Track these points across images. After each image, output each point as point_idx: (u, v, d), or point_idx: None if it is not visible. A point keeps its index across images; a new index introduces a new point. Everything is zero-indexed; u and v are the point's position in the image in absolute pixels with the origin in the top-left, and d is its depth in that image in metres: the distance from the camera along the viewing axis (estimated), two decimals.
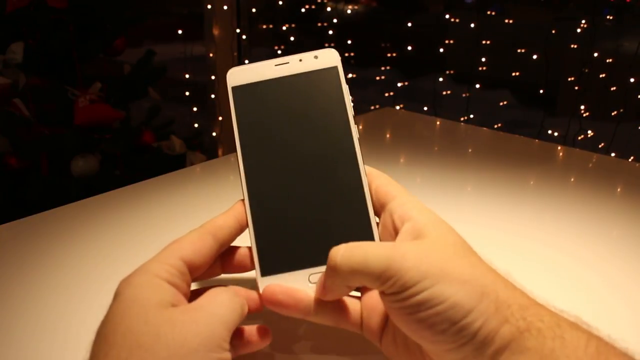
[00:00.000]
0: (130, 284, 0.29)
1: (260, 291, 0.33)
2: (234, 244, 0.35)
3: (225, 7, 2.17)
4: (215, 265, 0.35)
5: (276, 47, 2.42)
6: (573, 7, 2.36)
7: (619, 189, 0.67)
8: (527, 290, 0.29)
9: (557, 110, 2.33)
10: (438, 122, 0.97)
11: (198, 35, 2.24)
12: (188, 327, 0.27)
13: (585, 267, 0.48)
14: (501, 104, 2.37)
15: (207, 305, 0.29)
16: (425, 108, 2.28)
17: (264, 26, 2.45)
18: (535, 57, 2.06)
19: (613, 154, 1.85)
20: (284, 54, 0.36)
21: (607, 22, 2.04)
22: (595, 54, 1.98)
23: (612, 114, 2.03)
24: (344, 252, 0.29)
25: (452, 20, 2.28)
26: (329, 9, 2.45)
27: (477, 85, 2.23)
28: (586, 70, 2.02)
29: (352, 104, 0.35)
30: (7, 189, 1.44)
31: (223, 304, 0.29)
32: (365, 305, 0.34)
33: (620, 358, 0.25)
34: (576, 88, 2.05)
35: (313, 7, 2.43)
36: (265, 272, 0.33)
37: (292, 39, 2.37)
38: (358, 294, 0.35)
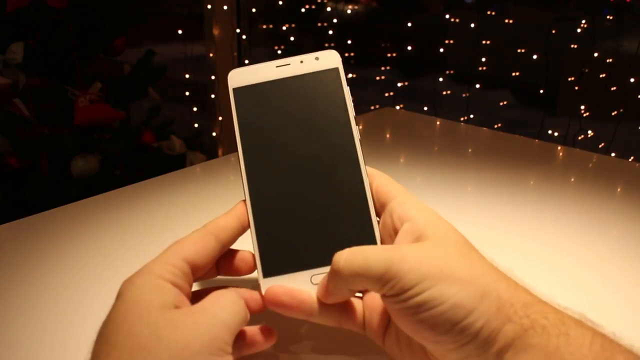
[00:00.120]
0: (132, 285, 0.29)
1: (263, 292, 0.33)
2: (234, 246, 0.35)
3: (225, 7, 2.17)
4: (211, 268, 0.35)
5: (276, 47, 2.42)
6: (573, 7, 2.36)
7: (619, 189, 0.67)
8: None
9: (557, 110, 2.33)
10: (438, 122, 0.97)
11: (198, 35, 2.24)
12: (190, 329, 0.27)
13: (585, 267, 0.48)
14: (501, 104, 2.37)
15: (210, 308, 0.29)
16: (425, 108, 2.28)
17: (264, 26, 2.45)
18: (535, 57, 2.06)
19: (613, 154, 1.85)
20: (284, 54, 0.36)
21: (607, 22, 2.04)
22: (595, 54, 1.98)
23: (612, 114, 2.03)
24: (347, 256, 0.29)
25: (452, 20, 2.28)
26: (329, 9, 2.45)
27: (477, 85, 2.23)
28: (586, 70, 2.02)
29: (353, 105, 0.36)
30: (7, 189, 1.44)
31: (226, 307, 0.29)
32: (367, 305, 0.34)
33: (625, 355, 0.25)
34: (576, 88, 2.05)
35: (313, 7, 2.43)
36: (267, 274, 0.33)
37: (292, 39, 2.37)
38: (360, 294, 0.35)
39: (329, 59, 0.36)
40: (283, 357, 0.36)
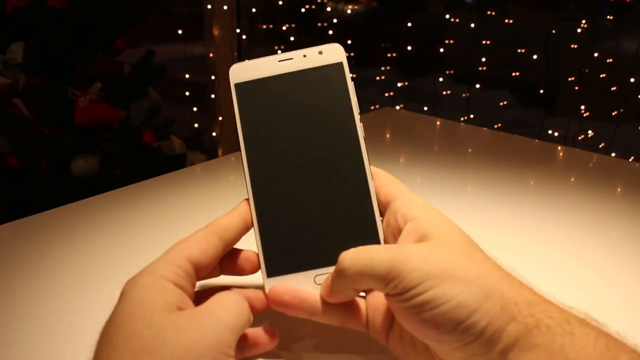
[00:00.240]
0: (136, 285, 0.29)
1: (267, 292, 0.33)
2: (237, 245, 0.35)
3: (225, 7, 2.17)
4: (214, 267, 0.35)
5: (276, 47, 2.42)
6: (573, 7, 2.36)
7: (619, 189, 0.67)
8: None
9: (557, 110, 2.33)
10: (438, 122, 0.97)
11: (198, 35, 2.24)
12: (193, 332, 0.26)
13: (586, 267, 0.48)
14: (501, 104, 2.37)
15: (214, 310, 0.28)
16: (425, 108, 2.28)
17: (264, 26, 2.45)
18: (535, 57, 2.06)
19: (613, 154, 1.84)
20: (285, 52, 0.36)
21: (607, 22, 2.04)
22: (595, 54, 1.98)
23: (612, 114, 2.03)
24: (352, 256, 0.30)
25: (452, 20, 2.28)
26: (329, 9, 2.45)
27: (477, 85, 2.23)
28: (586, 70, 2.02)
29: (357, 101, 0.35)
30: (7, 189, 1.44)
31: (230, 309, 0.29)
32: (370, 305, 0.34)
33: (629, 354, 0.25)
34: (576, 88, 2.05)
35: (313, 7, 2.43)
36: (271, 274, 0.33)
37: (292, 39, 2.37)
38: (363, 293, 0.35)
39: (333, 53, 0.35)
40: (287, 356, 0.35)
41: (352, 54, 2.39)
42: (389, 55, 2.42)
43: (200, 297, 0.31)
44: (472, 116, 2.23)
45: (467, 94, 2.24)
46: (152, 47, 1.68)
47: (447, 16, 2.28)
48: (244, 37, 2.25)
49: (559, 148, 0.85)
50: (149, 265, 0.30)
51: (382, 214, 0.34)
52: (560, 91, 2.37)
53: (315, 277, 0.33)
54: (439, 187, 0.66)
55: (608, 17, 2.04)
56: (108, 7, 1.53)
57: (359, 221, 0.34)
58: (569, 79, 2.11)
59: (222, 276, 0.36)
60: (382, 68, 2.41)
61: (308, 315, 0.32)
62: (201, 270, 0.31)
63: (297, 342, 0.36)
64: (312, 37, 2.47)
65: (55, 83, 1.49)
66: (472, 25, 2.17)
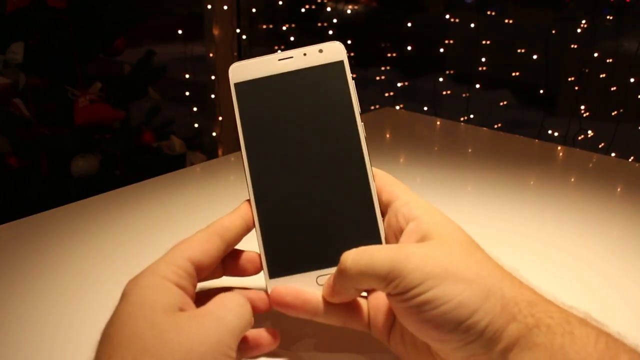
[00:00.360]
0: (137, 285, 0.29)
1: (269, 293, 0.33)
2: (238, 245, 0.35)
3: (225, 7, 2.17)
4: (216, 268, 0.35)
5: (276, 47, 2.42)
6: (573, 7, 2.36)
7: (619, 189, 0.67)
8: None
9: (557, 110, 2.33)
10: (438, 122, 0.97)
11: (198, 35, 2.24)
12: (195, 333, 0.26)
13: (586, 266, 0.48)
14: (501, 104, 2.37)
15: (216, 311, 0.28)
16: (425, 108, 2.28)
17: (264, 26, 2.45)
18: (535, 57, 2.06)
19: (613, 154, 1.84)
20: (285, 51, 0.36)
21: (607, 22, 2.04)
22: (595, 54, 1.98)
23: (612, 114, 2.03)
24: (354, 256, 0.30)
25: (452, 20, 2.28)
26: (329, 9, 2.45)
27: (477, 85, 2.23)
28: (586, 70, 2.02)
29: (358, 100, 0.35)
30: (7, 189, 1.44)
31: (232, 310, 0.29)
32: (372, 305, 0.34)
33: (629, 354, 0.25)
34: (576, 88, 2.05)
35: (313, 7, 2.43)
36: (273, 275, 0.33)
37: (292, 39, 2.37)
38: (365, 294, 0.35)
39: (333, 52, 0.35)
40: (288, 355, 0.35)
41: (352, 54, 2.38)
42: (389, 55, 2.42)
43: (203, 298, 0.31)
44: (472, 116, 2.23)
45: (467, 94, 2.24)
46: (152, 47, 1.68)
47: (447, 16, 2.28)
48: (244, 37, 2.25)
49: (559, 148, 0.85)
50: (151, 266, 0.30)
51: (383, 215, 0.34)
52: (560, 91, 2.37)
53: (317, 277, 0.33)
54: (439, 187, 0.66)
55: (608, 17, 2.04)
56: (108, 7, 1.53)
57: (361, 222, 0.34)
58: (569, 79, 2.11)
59: (224, 277, 0.36)
60: (382, 68, 2.41)
61: (310, 315, 0.32)
62: (202, 271, 0.31)
63: (298, 342, 0.36)
64: (312, 37, 2.47)
65: (55, 83, 1.49)
66: (472, 25, 2.17)
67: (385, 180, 0.35)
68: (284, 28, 2.38)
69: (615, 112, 2.03)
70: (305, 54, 0.35)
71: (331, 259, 0.32)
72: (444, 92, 2.32)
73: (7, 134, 1.44)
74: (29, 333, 0.38)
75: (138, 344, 0.26)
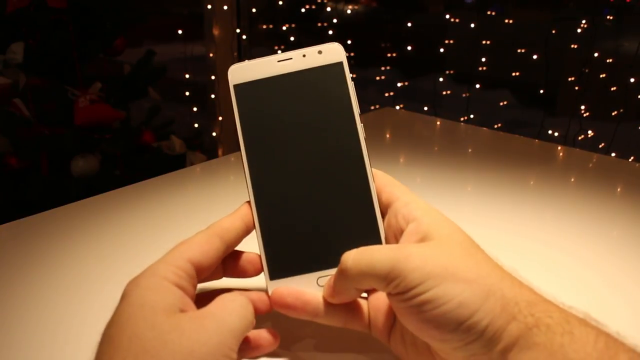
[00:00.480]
0: (138, 286, 0.29)
1: (270, 294, 0.33)
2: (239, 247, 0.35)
3: (225, 7, 2.17)
4: (217, 269, 0.35)
5: (276, 47, 2.42)
6: (573, 7, 2.36)
7: (619, 189, 0.67)
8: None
9: (557, 110, 2.33)
10: (438, 122, 0.97)
11: (198, 35, 2.24)
12: (196, 334, 0.26)
13: (586, 266, 0.48)
14: (501, 104, 2.37)
15: (218, 313, 0.28)
16: (426, 108, 2.28)
17: (264, 26, 2.45)
18: (535, 57, 2.06)
19: (613, 154, 1.84)
20: (285, 52, 0.36)
21: (607, 22, 2.04)
22: (595, 54, 1.98)
23: (612, 114, 2.03)
24: (355, 256, 0.30)
25: (452, 20, 2.28)
26: (329, 9, 2.45)
27: (477, 85, 2.23)
28: (586, 70, 2.02)
29: (357, 102, 0.35)
30: (7, 189, 1.44)
31: (234, 312, 0.29)
32: (372, 306, 0.34)
33: (628, 354, 0.25)
34: (576, 88, 2.05)
35: (313, 7, 2.43)
36: (273, 276, 0.33)
37: (292, 39, 2.37)
38: (365, 294, 0.35)
39: (332, 53, 0.35)
40: (288, 355, 0.35)
41: (352, 54, 2.39)
42: (389, 55, 2.42)
43: (204, 299, 0.31)
44: (472, 116, 2.23)
45: (467, 94, 2.24)
46: (152, 47, 1.67)
47: (447, 16, 2.28)
48: (244, 37, 2.25)
49: (559, 148, 0.85)
50: (150, 267, 0.30)
51: (382, 215, 0.34)
52: (560, 91, 2.37)
53: (317, 279, 0.33)
54: (439, 187, 0.66)
55: (608, 17, 2.04)
56: (108, 7, 1.53)
57: (361, 222, 0.34)
58: (569, 79, 2.11)
59: (224, 278, 0.36)
60: (382, 68, 2.41)
61: (311, 316, 0.33)
62: (202, 272, 0.31)
63: (299, 343, 0.36)
64: (312, 37, 2.47)
65: (55, 83, 1.49)
66: (472, 25, 2.17)
67: (385, 181, 0.35)
68: (284, 28, 2.38)
69: (615, 112, 2.03)
70: (304, 56, 0.35)
71: (331, 260, 0.32)
72: (444, 92, 2.32)
73: (7, 134, 1.44)
74: (29, 333, 0.38)
75: (139, 344, 0.26)
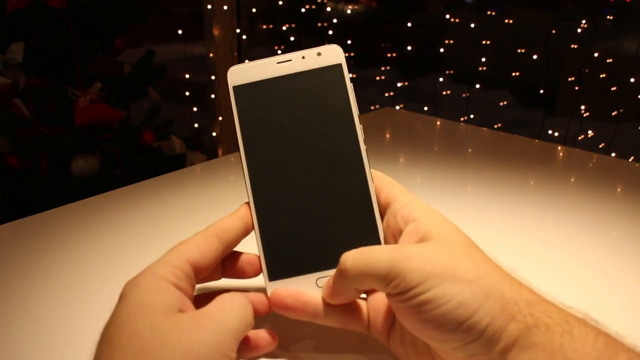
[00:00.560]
0: (136, 286, 0.29)
1: (269, 295, 0.33)
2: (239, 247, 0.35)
3: (225, 7, 2.17)
4: (215, 269, 0.35)
5: (276, 47, 2.42)
6: (573, 7, 2.36)
7: (619, 189, 0.67)
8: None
9: (557, 110, 2.33)
10: (438, 122, 0.97)
11: (198, 35, 2.24)
12: (195, 334, 0.26)
13: (586, 266, 0.48)
14: (501, 104, 2.37)
15: (217, 313, 0.28)
16: (426, 108, 2.28)
17: (264, 26, 2.46)
18: (535, 57, 2.06)
19: (613, 154, 1.85)
20: (284, 54, 0.36)
21: (607, 22, 2.04)
22: (595, 54, 1.98)
23: (612, 114, 2.03)
24: (354, 256, 0.30)
25: (452, 20, 2.28)
26: (329, 9, 2.45)
27: (477, 85, 2.23)
28: (586, 70, 2.02)
29: (356, 103, 0.35)
30: (7, 189, 1.44)
31: (233, 312, 0.29)
32: (372, 306, 0.34)
33: (628, 354, 0.25)
34: (576, 88, 2.05)
35: (313, 7, 2.43)
36: (272, 277, 0.33)
37: (292, 39, 2.37)
38: (364, 295, 0.35)
39: (331, 55, 0.35)
40: (287, 356, 0.35)
41: (352, 54, 2.39)
42: (389, 55, 2.42)
43: (203, 300, 0.31)
44: (472, 116, 2.23)
45: (467, 94, 2.24)
46: (152, 47, 1.67)
47: (447, 16, 2.28)
48: (244, 37, 2.25)
49: (559, 148, 0.85)
50: (149, 267, 0.30)
51: (381, 216, 0.34)
52: (560, 91, 2.37)
53: (316, 279, 0.33)
54: (439, 187, 0.66)
55: (608, 17, 2.04)
56: (108, 7, 1.53)
57: (360, 223, 0.34)
58: (569, 79, 2.11)
59: (223, 279, 0.36)
60: (382, 68, 2.41)
61: (310, 317, 0.33)
62: (201, 272, 0.31)
63: (298, 343, 0.36)
64: (312, 37, 2.47)
65: (55, 83, 1.49)
66: (472, 25, 2.17)
67: (384, 182, 0.35)
68: (284, 28, 2.38)
69: (615, 112, 2.03)
70: (303, 57, 0.35)
71: (330, 261, 0.32)
72: (444, 92, 2.32)
73: (7, 134, 1.45)
74: (29, 333, 0.38)
75: (138, 345, 0.26)
